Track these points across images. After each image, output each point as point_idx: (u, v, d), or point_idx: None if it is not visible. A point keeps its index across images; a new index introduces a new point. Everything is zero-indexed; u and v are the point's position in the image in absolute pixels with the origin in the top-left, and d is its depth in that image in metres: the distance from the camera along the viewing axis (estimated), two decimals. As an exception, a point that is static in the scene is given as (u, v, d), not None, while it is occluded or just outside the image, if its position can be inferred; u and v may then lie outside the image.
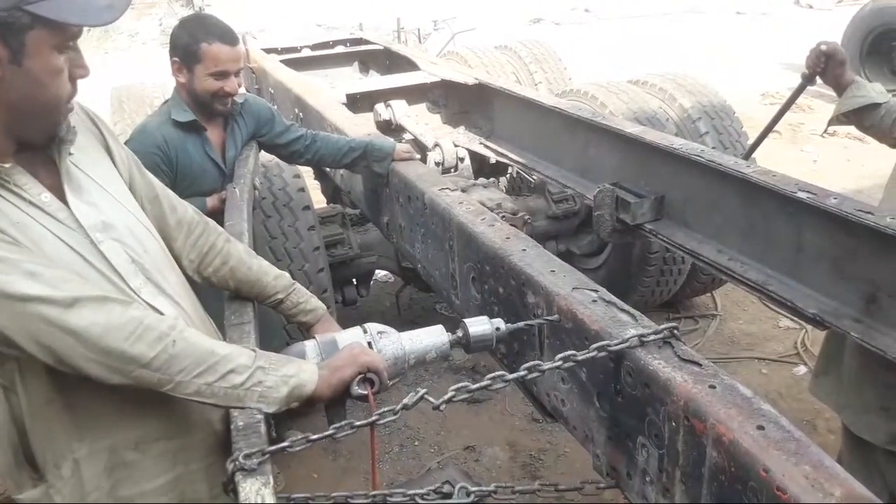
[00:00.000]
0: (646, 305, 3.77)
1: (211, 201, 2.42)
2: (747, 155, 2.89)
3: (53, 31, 1.15)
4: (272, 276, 1.68)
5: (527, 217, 3.09)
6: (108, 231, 1.29)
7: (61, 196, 1.26)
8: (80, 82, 1.25)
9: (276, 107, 3.61)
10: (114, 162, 1.42)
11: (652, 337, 1.32)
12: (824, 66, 2.31)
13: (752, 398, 1.14)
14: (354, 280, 3.65)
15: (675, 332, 1.33)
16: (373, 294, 4.12)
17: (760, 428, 1.07)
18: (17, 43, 1.12)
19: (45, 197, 1.23)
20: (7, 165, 1.18)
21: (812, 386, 2.32)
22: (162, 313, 1.32)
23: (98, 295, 1.16)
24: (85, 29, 1.23)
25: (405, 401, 1.26)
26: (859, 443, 2.10)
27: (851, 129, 2.41)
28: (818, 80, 2.39)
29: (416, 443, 3.27)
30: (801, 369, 3.62)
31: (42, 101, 1.18)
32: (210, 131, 2.54)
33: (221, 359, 1.22)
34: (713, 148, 3.05)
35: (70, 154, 1.28)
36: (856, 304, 1.92)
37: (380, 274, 4.32)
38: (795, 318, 2.41)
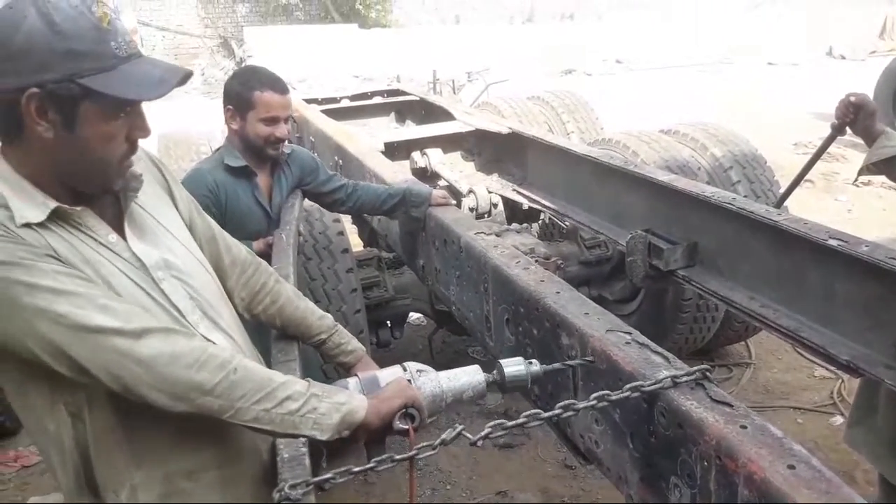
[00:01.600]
0: (679, 353, 3.73)
1: (257, 245, 2.51)
2: (779, 203, 2.92)
3: (107, 103, 1.19)
4: (317, 316, 1.76)
5: (559, 262, 3.13)
6: (168, 269, 1.37)
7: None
8: None
9: (316, 154, 3.75)
10: (175, 203, 1.52)
11: (685, 378, 1.35)
12: (854, 117, 2.36)
13: (783, 438, 1.17)
14: (388, 322, 3.71)
15: (708, 373, 1.36)
16: (406, 337, 4.17)
17: (791, 467, 1.10)
18: (69, 111, 1.17)
19: (112, 238, 1.32)
20: (78, 209, 1.27)
21: (847, 436, 2.30)
22: None
23: (164, 327, 1.24)
24: None
25: (443, 436, 1.28)
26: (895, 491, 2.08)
27: (885, 178, 2.43)
28: (848, 130, 2.44)
29: (448, 486, 3.27)
30: (838, 419, 3.56)
31: (92, 160, 1.24)
32: (259, 177, 2.67)
33: (279, 385, 1.28)
34: (745, 196, 3.07)
35: (136, 197, 1.37)
36: (889, 350, 1.93)
37: (413, 317, 4.37)
38: (830, 367, 2.40)
